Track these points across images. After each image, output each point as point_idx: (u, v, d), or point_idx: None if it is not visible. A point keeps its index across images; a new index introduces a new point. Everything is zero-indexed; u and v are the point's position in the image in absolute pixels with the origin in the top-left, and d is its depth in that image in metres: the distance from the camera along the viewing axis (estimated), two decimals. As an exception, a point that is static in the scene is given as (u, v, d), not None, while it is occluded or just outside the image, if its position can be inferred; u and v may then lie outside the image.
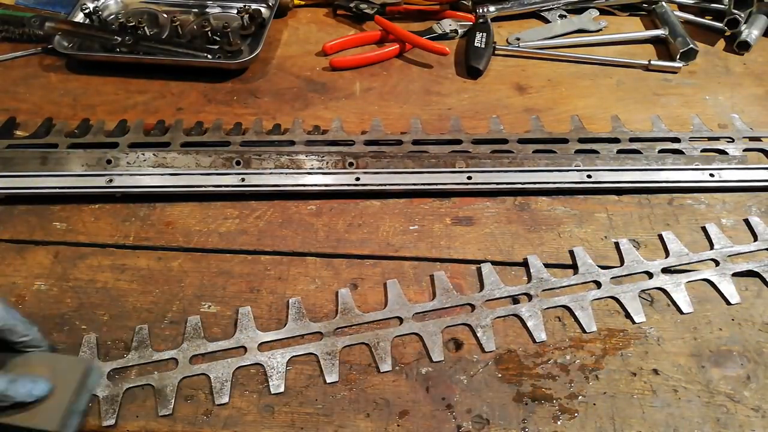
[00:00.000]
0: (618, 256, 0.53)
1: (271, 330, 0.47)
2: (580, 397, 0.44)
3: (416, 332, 0.47)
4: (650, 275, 0.51)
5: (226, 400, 0.43)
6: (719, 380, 0.45)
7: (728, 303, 0.49)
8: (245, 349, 0.46)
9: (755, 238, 0.54)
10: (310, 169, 0.57)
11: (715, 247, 0.53)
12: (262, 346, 0.46)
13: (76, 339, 0.47)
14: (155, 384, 0.44)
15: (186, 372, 0.45)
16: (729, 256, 0.52)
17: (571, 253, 0.53)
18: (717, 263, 0.52)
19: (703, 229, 0.55)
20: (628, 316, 0.49)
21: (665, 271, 0.51)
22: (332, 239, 0.54)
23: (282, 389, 0.44)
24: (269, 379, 0.44)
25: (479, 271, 0.51)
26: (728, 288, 0.50)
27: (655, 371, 0.46)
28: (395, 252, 0.53)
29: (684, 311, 0.49)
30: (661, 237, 0.54)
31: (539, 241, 0.54)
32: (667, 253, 0.53)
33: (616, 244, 0.53)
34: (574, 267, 0.52)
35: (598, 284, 0.50)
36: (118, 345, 0.46)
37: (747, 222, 0.55)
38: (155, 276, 0.51)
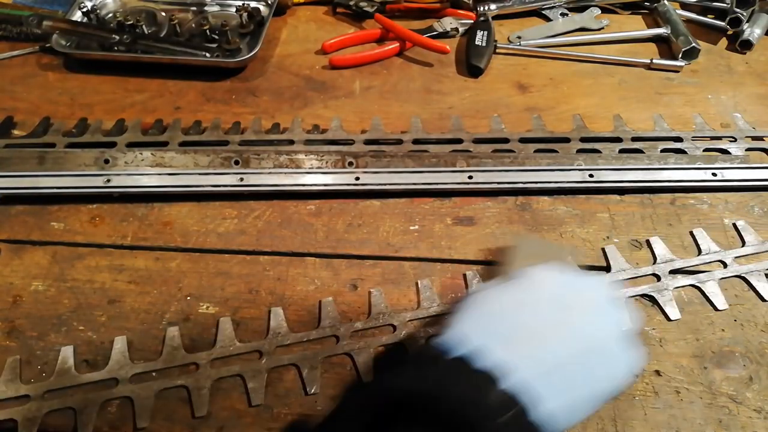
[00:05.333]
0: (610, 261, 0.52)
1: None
2: (581, 399, 0.44)
3: (403, 341, 0.46)
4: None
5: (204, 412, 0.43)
6: (721, 381, 0.45)
7: (716, 309, 0.49)
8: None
9: (743, 243, 0.53)
10: (310, 168, 0.57)
11: (702, 252, 0.52)
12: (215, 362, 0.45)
13: (73, 340, 0.46)
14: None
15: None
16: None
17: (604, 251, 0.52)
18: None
19: (691, 233, 0.54)
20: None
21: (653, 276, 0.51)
22: (332, 239, 0.54)
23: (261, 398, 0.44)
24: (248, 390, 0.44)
25: (465, 278, 0.51)
26: (714, 289, 0.50)
27: (657, 372, 0.45)
28: (395, 252, 0.53)
29: (671, 318, 0.48)
30: (648, 242, 0.53)
31: (540, 242, 0.54)
32: (654, 259, 0.52)
33: (603, 250, 0.53)
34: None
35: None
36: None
37: (735, 226, 0.55)
38: (153, 276, 0.51)
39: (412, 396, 0.30)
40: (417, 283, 0.50)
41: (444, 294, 0.50)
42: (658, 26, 0.78)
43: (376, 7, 0.78)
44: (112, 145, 0.59)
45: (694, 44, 0.72)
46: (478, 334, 0.33)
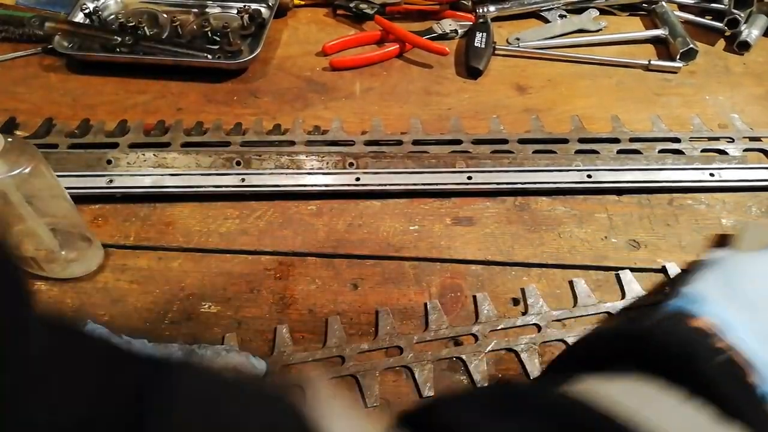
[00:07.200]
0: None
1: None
2: (580, 397, 0.44)
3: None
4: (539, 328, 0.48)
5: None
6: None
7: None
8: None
9: (575, 302, 0.49)
10: (311, 169, 0.57)
11: (530, 311, 0.49)
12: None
13: (76, 339, 0.47)
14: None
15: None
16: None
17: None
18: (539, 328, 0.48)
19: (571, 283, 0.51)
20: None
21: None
22: (332, 239, 0.54)
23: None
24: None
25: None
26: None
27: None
28: (395, 252, 0.53)
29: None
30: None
31: (539, 242, 0.54)
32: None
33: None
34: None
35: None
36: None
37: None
38: (155, 276, 0.51)
39: (625, 338, 0.30)
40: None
41: (444, 294, 0.50)
42: (656, 27, 0.79)
43: (376, 9, 0.79)
44: (115, 146, 0.60)
45: (691, 45, 0.73)
46: (716, 295, 0.32)
